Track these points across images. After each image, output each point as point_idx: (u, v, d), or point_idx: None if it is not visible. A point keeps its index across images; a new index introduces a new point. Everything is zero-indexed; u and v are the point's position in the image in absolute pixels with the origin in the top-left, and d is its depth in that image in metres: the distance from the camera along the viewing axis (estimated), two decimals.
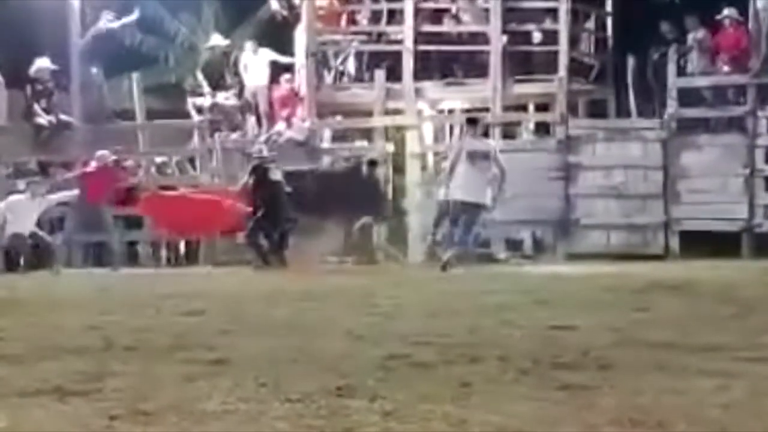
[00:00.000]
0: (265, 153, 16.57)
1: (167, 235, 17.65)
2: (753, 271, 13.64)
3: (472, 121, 15.72)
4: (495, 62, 18.29)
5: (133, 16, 18.95)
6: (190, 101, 18.78)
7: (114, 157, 16.40)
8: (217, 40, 19.49)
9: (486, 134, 18.11)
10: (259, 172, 16.14)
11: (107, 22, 18.49)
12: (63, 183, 16.82)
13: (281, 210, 16.03)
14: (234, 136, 18.19)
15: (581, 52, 19.38)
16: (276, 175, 16.19)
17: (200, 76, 19.12)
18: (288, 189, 16.11)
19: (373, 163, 17.23)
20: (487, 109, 18.43)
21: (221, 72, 19.01)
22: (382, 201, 16.99)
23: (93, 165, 16.16)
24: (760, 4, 17.58)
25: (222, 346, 6.74)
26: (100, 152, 16.30)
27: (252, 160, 16.52)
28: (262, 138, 17.91)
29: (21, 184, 17.24)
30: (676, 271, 13.81)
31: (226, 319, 8.34)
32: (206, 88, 18.90)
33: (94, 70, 18.40)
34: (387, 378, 5.44)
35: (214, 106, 18.52)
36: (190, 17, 22.22)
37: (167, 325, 8.02)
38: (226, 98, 18.60)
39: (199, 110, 18.57)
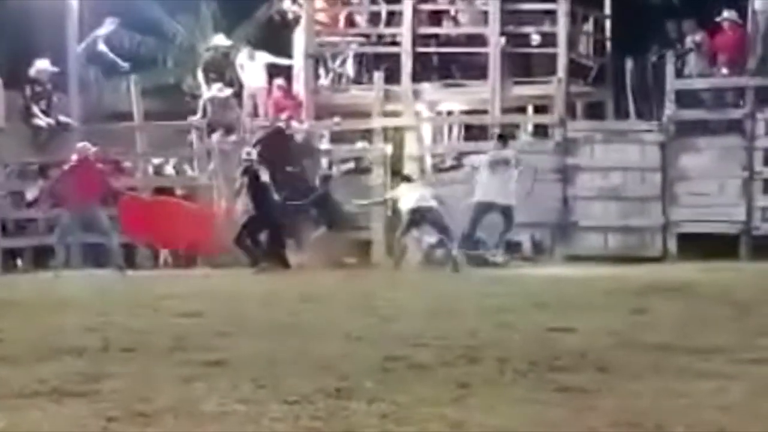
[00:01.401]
0: (254, 155, 16.53)
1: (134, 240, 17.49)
2: (751, 274, 13.64)
3: (502, 138, 16.57)
4: (493, 64, 18.27)
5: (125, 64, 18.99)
6: (201, 101, 18.66)
7: (94, 149, 16.18)
8: (220, 40, 19.44)
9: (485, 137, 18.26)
10: (249, 174, 16.09)
11: (102, 38, 18.59)
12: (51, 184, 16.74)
13: (271, 212, 15.97)
14: (232, 138, 18.12)
15: (580, 54, 19.35)
16: (265, 176, 16.11)
17: (201, 77, 19.08)
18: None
19: (326, 178, 17.26)
20: (485, 111, 18.43)
21: (222, 73, 18.96)
22: (335, 213, 16.82)
23: (73, 159, 15.94)
24: (757, 6, 17.57)
25: (220, 347, 6.74)
26: (80, 144, 16.13)
27: (241, 163, 16.50)
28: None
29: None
30: (674, 273, 13.82)
31: (224, 320, 8.34)
32: (204, 87, 18.84)
33: (91, 73, 18.41)
34: (385, 380, 5.44)
35: (213, 100, 18.44)
36: (188, 18, 22.18)
37: (165, 326, 8.02)
38: (220, 89, 18.51)
39: (204, 110, 18.46)
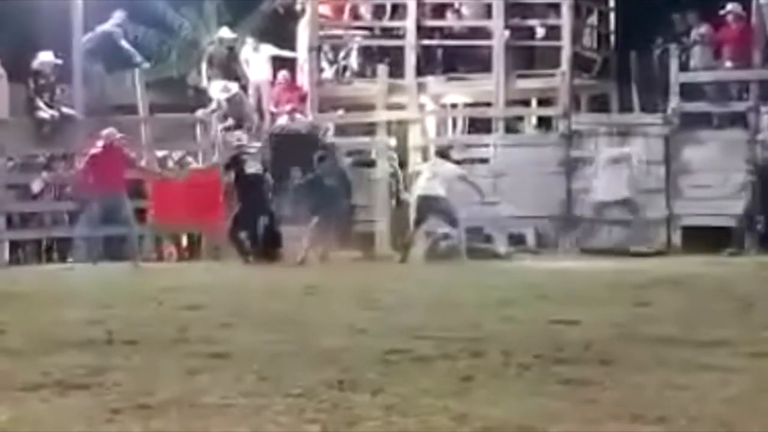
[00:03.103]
0: (245, 141, 16.50)
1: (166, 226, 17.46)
2: (754, 267, 13.63)
3: (623, 134, 16.85)
4: (498, 57, 18.27)
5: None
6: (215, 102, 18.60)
7: (121, 135, 16.22)
8: (225, 32, 19.42)
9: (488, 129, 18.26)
10: (235, 165, 16.02)
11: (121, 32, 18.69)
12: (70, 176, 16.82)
13: (260, 204, 15.85)
14: (237, 133, 18.10)
15: (584, 47, 19.35)
16: (253, 167, 16.00)
17: (204, 70, 19.08)
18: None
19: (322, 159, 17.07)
20: (489, 104, 18.45)
21: (226, 66, 18.95)
22: (334, 202, 16.53)
23: (99, 144, 15.93)
24: None
25: (223, 339, 6.75)
26: (107, 130, 16.12)
27: (230, 150, 16.47)
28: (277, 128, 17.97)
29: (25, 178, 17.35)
30: (677, 266, 13.81)
31: (228, 312, 8.35)
32: (206, 80, 18.83)
33: (96, 65, 18.42)
34: (389, 372, 5.45)
35: (226, 100, 18.44)
36: (193, 12, 22.21)
37: (169, 318, 8.03)
38: (224, 89, 18.48)
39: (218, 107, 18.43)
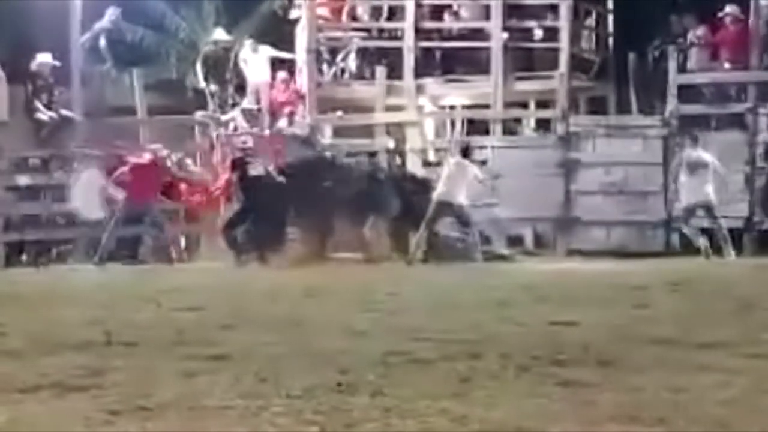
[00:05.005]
0: (250, 144, 16.55)
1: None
2: (753, 268, 13.63)
3: (694, 138, 16.51)
4: (496, 59, 18.26)
5: None
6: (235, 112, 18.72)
7: (167, 151, 16.60)
8: (220, 34, 19.44)
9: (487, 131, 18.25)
10: (238, 167, 16.07)
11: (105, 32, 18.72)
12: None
13: (262, 206, 15.87)
14: (243, 137, 18.11)
15: (582, 49, 19.34)
16: (256, 170, 16.02)
17: (199, 71, 19.08)
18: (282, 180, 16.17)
19: (372, 155, 16.96)
20: (487, 106, 18.44)
21: (222, 67, 18.97)
22: (387, 199, 16.45)
23: (146, 158, 16.31)
24: (763, 1, 17.54)
25: (222, 341, 6.74)
26: (153, 145, 16.56)
27: (235, 152, 16.55)
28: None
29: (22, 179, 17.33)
30: (676, 267, 13.81)
31: (227, 314, 8.35)
32: (201, 82, 18.89)
33: (94, 67, 18.45)
34: (388, 374, 5.44)
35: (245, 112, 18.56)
36: (191, 13, 22.18)
37: (168, 320, 8.03)
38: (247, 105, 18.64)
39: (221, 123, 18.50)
